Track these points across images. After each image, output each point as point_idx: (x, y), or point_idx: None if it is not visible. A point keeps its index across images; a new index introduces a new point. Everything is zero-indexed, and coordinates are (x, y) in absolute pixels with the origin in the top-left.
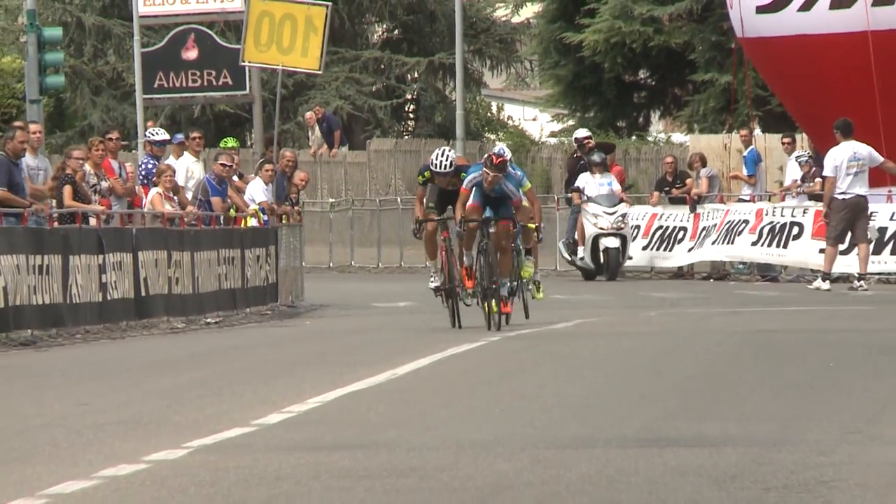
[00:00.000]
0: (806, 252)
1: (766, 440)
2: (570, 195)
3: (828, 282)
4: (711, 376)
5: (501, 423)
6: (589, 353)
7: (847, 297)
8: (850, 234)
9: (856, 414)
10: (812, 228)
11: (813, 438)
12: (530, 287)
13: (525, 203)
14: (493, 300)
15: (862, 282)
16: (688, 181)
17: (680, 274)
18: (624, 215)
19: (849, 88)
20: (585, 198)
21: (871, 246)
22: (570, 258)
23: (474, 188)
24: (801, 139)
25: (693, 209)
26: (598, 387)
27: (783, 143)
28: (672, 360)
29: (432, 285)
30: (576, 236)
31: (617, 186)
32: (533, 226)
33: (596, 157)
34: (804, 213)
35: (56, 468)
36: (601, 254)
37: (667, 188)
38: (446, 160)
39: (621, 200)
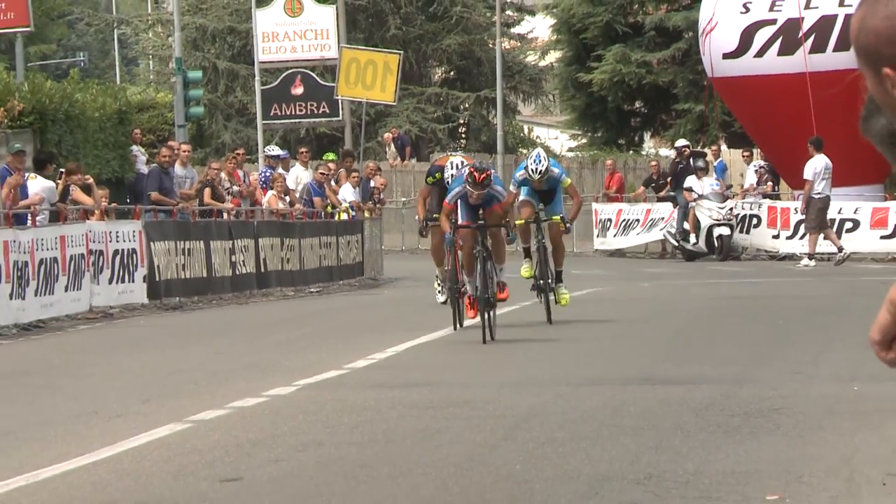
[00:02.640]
0: (762, 237)
1: (731, 379)
2: (673, 193)
3: (814, 260)
4: (690, 331)
5: (530, 367)
6: (597, 314)
7: (792, 271)
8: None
9: (798, 359)
10: (766, 220)
11: (766, 378)
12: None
13: (564, 204)
14: (492, 311)
15: (843, 251)
16: (669, 180)
17: (665, 253)
18: (731, 209)
19: (792, 115)
20: (696, 195)
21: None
22: (678, 243)
23: (459, 201)
24: (757, 153)
25: (675, 203)
26: (604, 339)
27: (743, 156)
28: (661, 320)
29: (440, 299)
30: (685, 226)
31: (719, 187)
32: (557, 218)
33: (700, 163)
34: (759, 207)
35: (198, 401)
36: (715, 240)
37: (652, 185)
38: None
39: (727, 198)
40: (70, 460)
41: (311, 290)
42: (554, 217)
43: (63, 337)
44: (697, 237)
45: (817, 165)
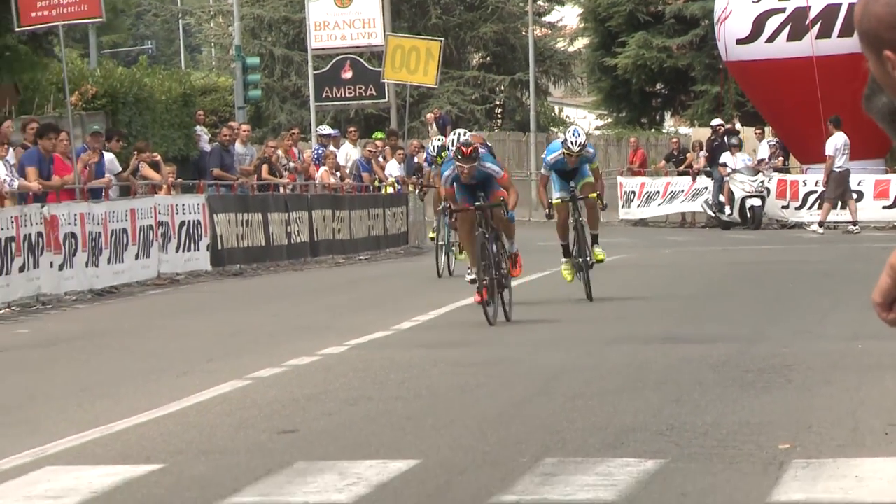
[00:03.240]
0: (772, 207)
1: (745, 338)
2: (709, 168)
3: (822, 228)
4: (708, 294)
5: (560, 327)
6: (622, 279)
7: (801, 238)
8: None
9: (806, 319)
10: (776, 191)
11: (777, 336)
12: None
13: (590, 179)
14: (506, 290)
15: (856, 226)
16: (688, 155)
17: (684, 222)
18: (762, 182)
19: (800, 96)
20: (730, 170)
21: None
22: (714, 213)
23: (454, 183)
24: (768, 130)
25: (694, 178)
26: (628, 302)
27: (756, 133)
28: (681, 284)
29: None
30: (721, 198)
31: (752, 161)
32: (594, 195)
33: (735, 140)
34: (770, 180)
35: (257, 359)
36: (747, 210)
37: (673, 160)
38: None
39: (758, 171)
40: (141, 414)
41: (360, 257)
42: (591, 196)
43: (133, 301)
44: (732, 208)
45: (837, 142)
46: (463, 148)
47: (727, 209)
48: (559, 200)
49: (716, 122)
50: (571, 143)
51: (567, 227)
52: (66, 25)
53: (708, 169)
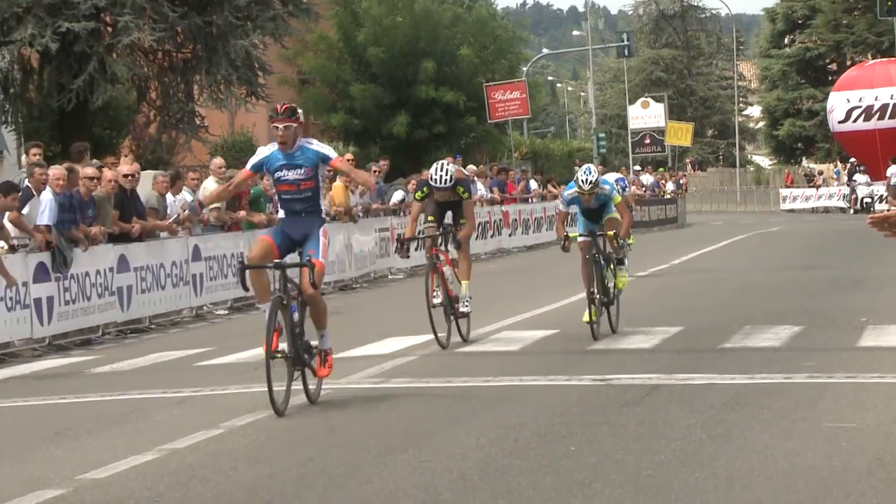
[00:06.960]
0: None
1: (842, 267)
2: (848, 181)
3: None
4: (824, 244)
5: (747, 262)
6: (778, 238)
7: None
8: None
9: (876, 257)
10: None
11: (858, 269)
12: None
13: (615, 215)
14: (308, 359)
15: None
16: (815, 178)
17: (814, 211)
18: (874, 190)
19: (870, 149)
20: (858, 183)
21: None
22: (848, 205)
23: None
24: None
25: (817, 189)
26: (783, 249)
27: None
28: (810, 240)
29: (436, 301)
30: (851, 199)
31: (868, 179)
32: (611, 233)
33: (862, 167)
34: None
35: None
36: (864, 205)
37: (805, 176)
38: (445, 174)
39: (872, 184)
40: (544, 307)
41: (654, 228)
42: (609, 233)
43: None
44: (856, 203)
45: (893, 170)
46: (278, 106)
47: (855, 204)
48: (577, 234)
49: (853, 159)
50: (582, 181)
51: (591, 269)
52: (513, 118)
53: (848, 181)
